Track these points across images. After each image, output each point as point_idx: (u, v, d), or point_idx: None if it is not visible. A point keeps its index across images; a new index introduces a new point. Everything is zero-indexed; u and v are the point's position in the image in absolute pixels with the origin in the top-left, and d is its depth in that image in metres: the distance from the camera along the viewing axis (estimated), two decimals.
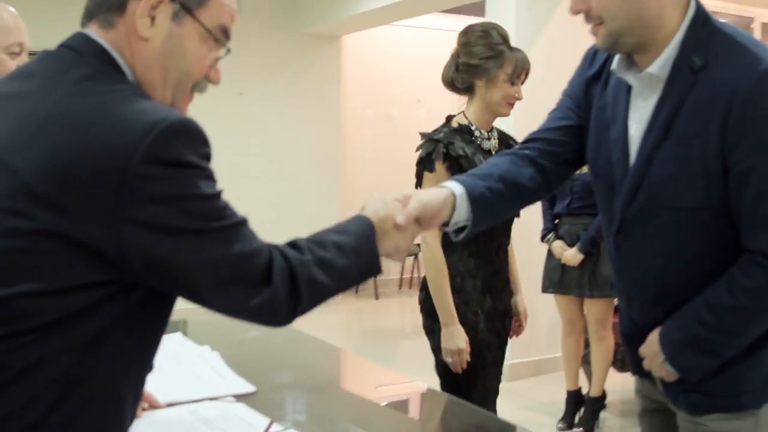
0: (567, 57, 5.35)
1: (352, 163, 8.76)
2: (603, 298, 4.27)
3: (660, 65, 1.62)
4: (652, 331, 1.73)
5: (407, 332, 7.38)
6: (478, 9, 5.89)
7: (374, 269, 1.46)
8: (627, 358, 1.94)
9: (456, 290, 2.65)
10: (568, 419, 4.43)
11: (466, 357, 2.60)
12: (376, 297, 8.50)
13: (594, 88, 1.81)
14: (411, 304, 8.35)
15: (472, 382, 2.68)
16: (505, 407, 4.91)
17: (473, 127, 2.74)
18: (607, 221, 1.79)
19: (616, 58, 1.71)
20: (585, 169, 2.11)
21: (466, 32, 2.73)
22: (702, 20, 1.61)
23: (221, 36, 1.29)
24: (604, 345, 4.33)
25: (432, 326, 2.72)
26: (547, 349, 5.32)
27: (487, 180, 1.82)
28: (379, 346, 6.58)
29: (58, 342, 1.11)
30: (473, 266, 2.69)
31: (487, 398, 2.75)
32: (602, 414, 4.62)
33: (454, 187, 1.78)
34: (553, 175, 1.92)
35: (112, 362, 1.17)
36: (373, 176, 8.87)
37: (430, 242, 2.64)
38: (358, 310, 8.14)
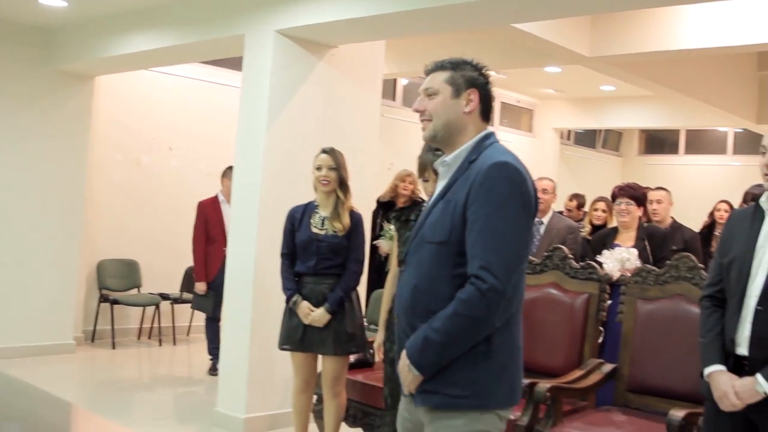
0: (318, 116, 5.60)
1: (97, 208, 8.38)
2: (342, 356, 4.36)
3: (452, 158, 2.48)
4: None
5: (145, 383, 7.11)
6: (237, 63, 5.90)
7: None
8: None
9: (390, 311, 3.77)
10: None
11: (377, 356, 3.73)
12: (113, 346, 8.12)
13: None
14: (150, 354, 8.21)
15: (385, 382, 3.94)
16: None
17: (424, 204, 3.47)
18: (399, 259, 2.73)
19: (439, 160, 2.54)
20: (331, 231, 4.14)
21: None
22: (487, 138, 2.49)
23: None
24: (337, 401, 4.40)
25: None
26: (283, 403, 5.31)
27: None
28: (115, 398, 6.27)
29: None
30: None
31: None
32: None
33: None
34: None
35: None
36: (118, 222, 8.56)
37: (390, 276, 4.09)
38: (94, 358, 7.73)
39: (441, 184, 2.51)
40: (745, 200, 6.09)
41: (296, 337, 4.35)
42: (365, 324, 6.52)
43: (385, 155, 9.88)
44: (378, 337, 3.89)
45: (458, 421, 2.36)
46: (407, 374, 2.39)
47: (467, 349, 2.32)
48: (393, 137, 10.37)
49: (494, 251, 2.29)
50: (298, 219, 4.41)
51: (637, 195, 5.28)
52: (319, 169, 4.37)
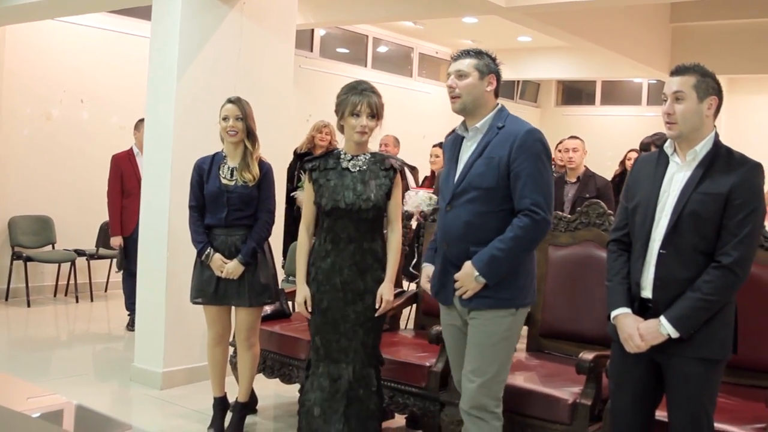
0: (230, 66, 5.47)
1: (7, 163, 8.09)
2: (257, 306, 4.31)
3: (481, 124, 3.26)
4: (463, 265, 3.17)
5: (62, 341, 6.94)
6: (147, 12, 5.70)
7: None
8: (434, 287, 3.38)
9: (312, 265, 3.78)
10: (216, 425, 4.39)
11: (307, 309, 3.76)
12: (28, 305, 7.90)
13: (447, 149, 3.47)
14: (67, 311, 8.01)
15: (315, 333, 3.81)
16: (157, 415, 4.83)
17: (342, 152, 3.80)
18: (442, 204, 3.34)
19: (459, 126, 3.35)
20: (240, 181, 4.25)
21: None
22: (503, 110, 3.29)
23: None
24: (252, 352, 4.35)
25: None
26: (200, 356, 5.25)
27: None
28: (31, 357, 6.10)
29: None
30: (327, 249, 3.73)
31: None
32: (255, 418, 4.68)
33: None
34: None
35: None
36: (30, 177, 8.29)
37: (300, 230, 3.85)
38: (8, 317, 7.52)
39: (471, 145, 3.27)
40: (641, 149, 6.26)
41: (209, 290, 4.28)
42: (284, 276, 6.55)
43: (303, 107, 9.79)
44: (300, 292, 3.79)
45: (505, 317, 3.18)
46: (470, 282, 3.15)
47: (519, 262, 3.16)
48: (310, 88, 10.27)
49: (539, 192, 3.10)
50: (206, 170, 4.31)
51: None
52: (225, 119, 4.27)
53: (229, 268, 4.22)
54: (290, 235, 6.74)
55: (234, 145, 4.30)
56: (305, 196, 3.85)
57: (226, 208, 4.24)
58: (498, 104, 3.31)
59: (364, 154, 3.79)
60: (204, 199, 4.29)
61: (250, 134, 4.30)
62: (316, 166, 3.78)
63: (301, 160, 7.34)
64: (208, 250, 4.25)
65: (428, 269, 3.45)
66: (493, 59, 3.29)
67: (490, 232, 3.15)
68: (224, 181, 4.27)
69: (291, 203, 6.95)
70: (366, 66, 11.88)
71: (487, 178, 3.17)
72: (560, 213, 4.30)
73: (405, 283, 5.90)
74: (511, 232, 3.10)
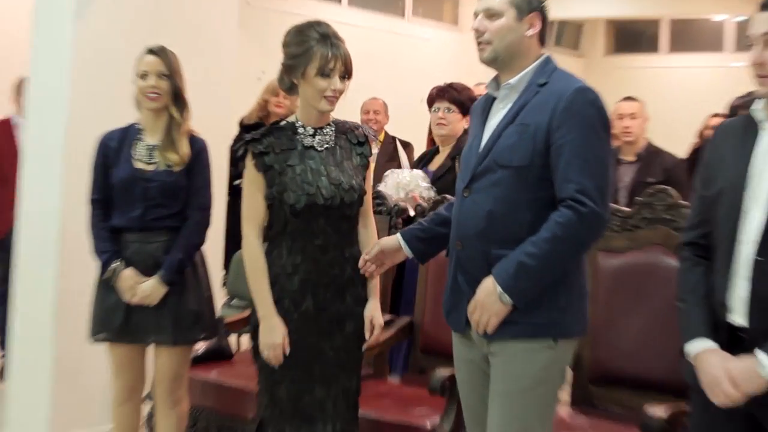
0: (148, 2, 5.39)
1: None
2: (185, 345, 4.27)
3: (517, 80, 3.23)
4: (480, 275, 3.11)
5: None
6: None
7: None
8: (445, 305, 3.36)
9: (272, 285, 3.67)
10: None
11: (284, 351, 3.62)
12: None
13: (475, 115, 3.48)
14: None
15: (278, 380, 3.70)
16: None
17: (298, 124, 3.74)
18: (459, 187, 3.31)
19: (490, 83, 3.36)
20: (163, 166, 4.23)
21: (285, 34, 3.71)
22: (549, 62, 3.29)
23: None
24: (177, 411, 4.30)
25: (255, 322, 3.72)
26: (102, 418, 5.10)
27: (424, 223, 3.63)
28: None
29: None
30: (295, 263, 3.68)
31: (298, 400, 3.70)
32: None
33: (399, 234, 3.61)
34: None
35: None
36: None
37: (248, 235, 3.72)
38: None
39: (503, 107, 3.26)
40: (731, 115, 6.21)
41: (116, 321, 4.21)
42: (226, 298, 6.50)
43: (252, 60, 9.71)
44: (271, 328, 3.61)
45: (539, 352, 3.11)
46: (492, 305, 3.05)
47: (560, 275, 3.08)
48: (263, 35, 10.18)
49: (589, 175, 3.02)
50: (113, 150, 4.27)
51: (461, 99, 5.44)
52: (144, 76, 4.22)
53: (144, 289, 4.15)
54: (234, 240, 6.66)
55: (155, 113, 4.26)
56: (249, 188, 3.74)
57: (142, 203, 4.19)
58: (543, 54, 3.30)
59: (328, 124, 3.82)
60: (111, 191, 4.25)
61: (178, 98, 4.27)
62: (268, 145, 3.67)
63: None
64: (116, 264, 4.18)
65: (389, 241, 3.62)
66: None
67: (521, 229, 3.10)
68: (140, 165, 4.22)
69: (236, 195, 6.89)
70: (340, 3, 11.83)
71: (518, 153, 3.12)
72: (613, 205, 4.23)
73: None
74: (547, 231, 3.04)
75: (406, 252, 3.56)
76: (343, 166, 3.71)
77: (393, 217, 4.84)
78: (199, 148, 4.30)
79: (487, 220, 3.14)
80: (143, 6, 5.49)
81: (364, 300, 3.76)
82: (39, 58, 5.43)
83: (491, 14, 3.20)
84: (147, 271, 4.19)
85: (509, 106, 3.23)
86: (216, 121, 5.60)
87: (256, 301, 3.69)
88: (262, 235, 3.74)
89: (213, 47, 5.80)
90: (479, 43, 3.25)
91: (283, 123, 3.78)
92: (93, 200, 4.29)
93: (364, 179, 3.77)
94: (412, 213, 4.95)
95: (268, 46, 9.85)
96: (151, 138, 4.27)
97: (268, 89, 7.45)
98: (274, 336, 3.61)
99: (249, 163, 3.70)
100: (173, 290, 4.20)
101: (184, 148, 4.24)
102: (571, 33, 15.35)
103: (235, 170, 6.82)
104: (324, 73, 3.59)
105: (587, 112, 3.08)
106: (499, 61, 3.25)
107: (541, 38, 3.29)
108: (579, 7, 13.28)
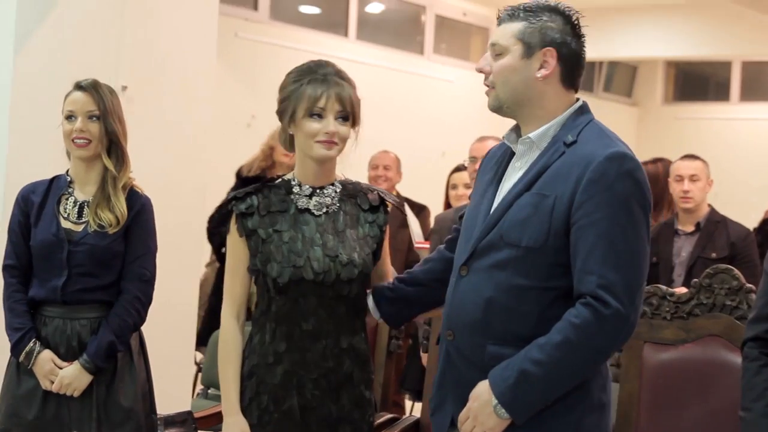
0: (106, 31, 5.42)
1: None
2: None
3: (538, 135, 3.09)
4: (473, 375, 3.03)
5: None
6: None
7: None
8: (432, 401, 3.31)
9: (249, 377, 3.59)
10: None
11: None
12: None
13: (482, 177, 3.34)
14: None
15: None
16: None
17: (294, 182, 3.64)
18: (456, 262, 3.21)
19: (508, 133, 3.23)
20: (94, 226, 4.09)
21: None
22: (582, 112, 3.13)
23: None
24: None
25: None
26: None
27: (395, 282, 3.61)
28: None
29: None
30: (278, 350, 3.57)
31: None
32: None
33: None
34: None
35: None
36: None
37: (224, 314, 3.66)
38: None
39: (520, 167, 3.15)
40: None
41: (29, 412, 4.13)
42: (201, 388, 6.43)
43: (242, 101, 9.76)
44: (231, 426, 3.57)
45: None
46: (487, 417, 2.97)
47: (572, 386, 2.96)
48: (255, 70, 10.24)
49: (616, 267, 2.90)
50: (35, 205, 4.19)
51: None
52: (69, 117, 4.17)
53: (66, 375, 4.09)
54: (215, 314, 6.66)
55: (86, 163, 4.19)
56: (231, 257, 3.69)
57: (65, 270, 4.11)
58: (578, 101, 3.19)
59: (332, 184, 3.69)
60: (30, 255, 4.19)
61: (114, 145, 4.20)
62: (251, 205, 3.61)
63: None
64: (32, 344, 4.10)
65: None
66: (567, 19, 3.10)
67: (526, 324, 3.00)
68: (67, 225, 4.16)
69: (223, 260, 6.90)
70: (347, 35, 11.98)
71: (531, 230, 3.00)
72: (662, 288, 4.16)
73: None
74: (559, 333, 2.91)
75: (373, 313, 3.58)
76: (344, 235, 3.61)
77: None
78: (140, 207, 4.23)
79: (485, 309, 3.04)
80: (98, 34, 5.54)
81: (366, 403, 3.66)
82: None
83: (497, 51, 3.10)
84: (70, 354, 4.11)
85: (527, 167, 3.11)
86: (189, 174, 5.65)
87: (222, 392, 3.62)
88: (244, 316, 3.70)
89: (185, 84, 5.83)
90: (486, 86, 3.17)
91: (278, 180, 3.70)
92: (6, 266, 4.23)
93: (373, 253, 3.64)
94: None
95: (260, 84, 9.98)
96: (82, 193, 4.21)
97: (274, 135, 7.41)
98: None
99: (232, 226, 3.63)
100: (101, 379, 4.14)
101: (122, 204, 4.16)
102: (623, 76, 15.43)
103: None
104: (313, 113, 3.51)
105: (620, 187, 2.93)
106: (506, 109, 3.14)
107: (567, 79, 3.12)
108: (633, 47, 13.27)
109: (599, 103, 14.47)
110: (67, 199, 4.21)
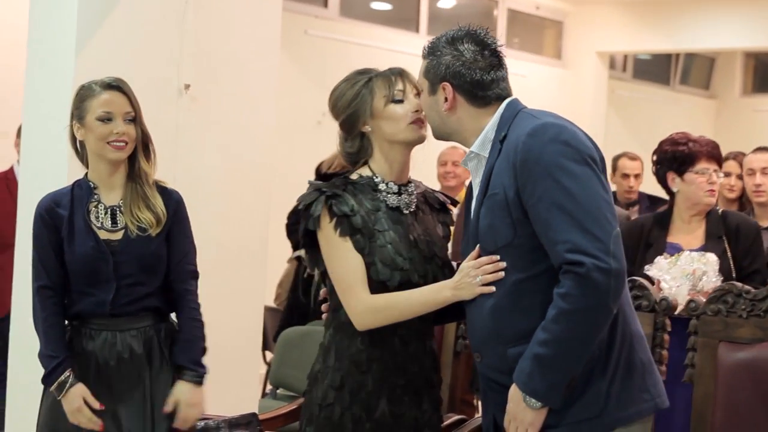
0: (169, 32, 5.41)
1: None
2: None
3: (479, 145, 3.27)
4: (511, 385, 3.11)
5: None
6: None
7: None
8: (484, 425, 3.46)
9: (339, 387, 3.51)
10: None
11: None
12: None
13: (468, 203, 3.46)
14: None
15: None
16: None
17: (377, 179, 3.54)
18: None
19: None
20: (134, 229, 3.95)
21: (329, 97, 3.64)
22: (508, 107, 3.26)
23: None
24: None
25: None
26: None
27: None
28: None
29: None
30: (372, 357, 3.51)
31: None
32: None
33: None
34: None
35: None
36: None
37: (361, 300, 3.44)
38: None
39: (478, 181, 3.28)
40: None
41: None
42: (270, 388, 6.40)
43: (311, 99, 9.71)
44: None
45: None
46: (523, 413, 3.09)
47: (589, 353, 3.05)
48: (325, 68, 10.19)
49: (576, 227, 2.99)
50: (65, 219, 3.98)
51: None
52: (104, 119, 3.95)
53: (183, 401, 3.98)
54: (296, 312, 6.63)
55: (113, 166, 4.02)
56: (336, 251, 3.48)
57: (113, 283, 3.95)
58: (505, 101, 3.30)
59: (410, 182, 3.66)
60: (66, 273, 3.98)
61: (144, 145, 4.08)
62: (351, 204, 3.48)
63: None
64: (65, 376, 3.90)
65: None
66: (459, 43, 3.28)
67: (532, 316, 3.13)
68: (104, 235, 3.98)
69: (300, 257, 6.90)
70: (418, 31, 11.87)
71: (498, 230, 3.18)
72: (737, 285, 4.07)
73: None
74: (553, 308, 3.04)
75: None
76: (432, 235, 3.58)
77: (660, 314, 4.21)
78: (176, 205, 4.09)
79: (493, 316, 3.20)
80: (162, 35, 5.56)
81: (440, 405, 3.68)
82: (33, 99, 5.54)
83: (418, 88, 3.41)
84: (121, 367, 3.97)
85: (480, 179, 3.28)
86: (254, 174, 5.65)
87: (419, 296, 3.42)
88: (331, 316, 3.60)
89: (248, 83, 5.81)
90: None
91: (354, 177, 3.56)
92: (40, 287, 3.99)
93: None
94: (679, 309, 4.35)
95: (330, 84, 9.88)
96: (109, 197, 4.03)
97: None
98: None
99: (326, 225, 3.45)
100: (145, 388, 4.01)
101: (159, 203, 4.03)
102: (700, 69, 15.29)
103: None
104: (395, 98, 3.48)
105: (548, 156, 3.04)
106: (442, 137, 3.41)
107: (478, 102, 3.26)
108: (710, 38, 13.10)
109: (676, 96, 14.35)
110: (95, 206, 4.02)
